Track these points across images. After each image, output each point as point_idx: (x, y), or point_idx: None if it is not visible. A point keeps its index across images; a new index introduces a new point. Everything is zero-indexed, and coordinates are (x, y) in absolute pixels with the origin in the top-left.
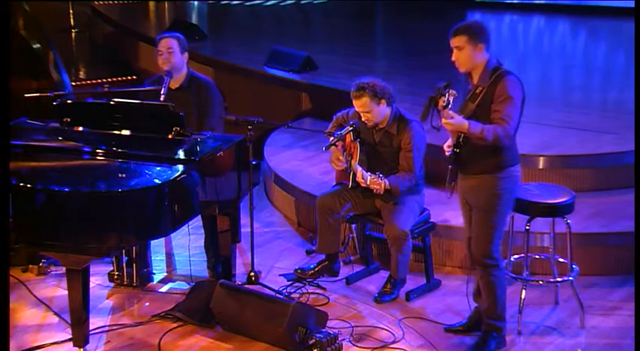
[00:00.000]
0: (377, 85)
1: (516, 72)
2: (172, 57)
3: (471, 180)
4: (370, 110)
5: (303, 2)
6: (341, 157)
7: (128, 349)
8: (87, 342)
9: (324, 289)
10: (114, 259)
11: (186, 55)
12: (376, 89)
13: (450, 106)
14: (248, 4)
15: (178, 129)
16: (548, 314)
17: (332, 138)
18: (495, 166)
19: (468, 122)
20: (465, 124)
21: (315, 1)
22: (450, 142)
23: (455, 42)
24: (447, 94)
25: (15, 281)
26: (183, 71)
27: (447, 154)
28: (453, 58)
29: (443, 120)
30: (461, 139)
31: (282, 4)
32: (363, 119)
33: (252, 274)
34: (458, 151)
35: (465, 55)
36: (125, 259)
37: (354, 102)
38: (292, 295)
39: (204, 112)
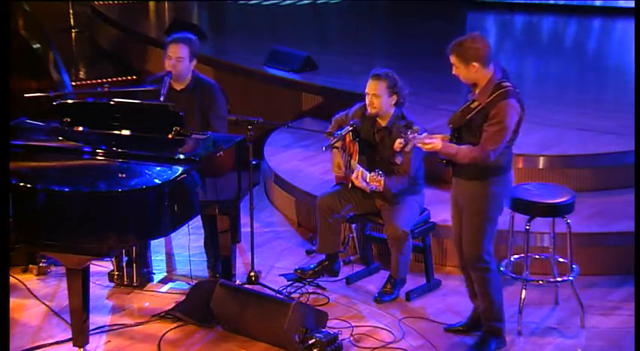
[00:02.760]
0: (399, 81)
1: (516, 72)
2: (180, 64)
3: (463, 184)
4: (380, 96)
5: (319, 2)
6: (341, 164)
7: (128, 349)
8: (87, 342)
9: (324, 289)
10: (114, 259)
11: (194, 62)
12: (396, 83)
13: (409, 144)
14: (265, 3)
15: (178, 129)
16: (548, 314)
17: (332, 138)
18: (487, 173)
19: (442, 145)
20: (437, 146)
21: (330, 1)
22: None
23: (450, 59)
24: (407, 135)
25: (15, 281)
26: (189, 76)
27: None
28: (453, 73)
29: (418, 144)
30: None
31: (298, 3)
32: (367, 103)
33: (252, 274)
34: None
35: (460, 72)
36: (125, 259)
37: (369, 83)
38: (292, 295)
39: (208, 114)
